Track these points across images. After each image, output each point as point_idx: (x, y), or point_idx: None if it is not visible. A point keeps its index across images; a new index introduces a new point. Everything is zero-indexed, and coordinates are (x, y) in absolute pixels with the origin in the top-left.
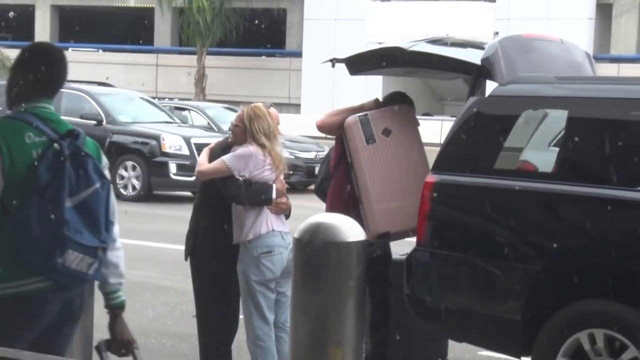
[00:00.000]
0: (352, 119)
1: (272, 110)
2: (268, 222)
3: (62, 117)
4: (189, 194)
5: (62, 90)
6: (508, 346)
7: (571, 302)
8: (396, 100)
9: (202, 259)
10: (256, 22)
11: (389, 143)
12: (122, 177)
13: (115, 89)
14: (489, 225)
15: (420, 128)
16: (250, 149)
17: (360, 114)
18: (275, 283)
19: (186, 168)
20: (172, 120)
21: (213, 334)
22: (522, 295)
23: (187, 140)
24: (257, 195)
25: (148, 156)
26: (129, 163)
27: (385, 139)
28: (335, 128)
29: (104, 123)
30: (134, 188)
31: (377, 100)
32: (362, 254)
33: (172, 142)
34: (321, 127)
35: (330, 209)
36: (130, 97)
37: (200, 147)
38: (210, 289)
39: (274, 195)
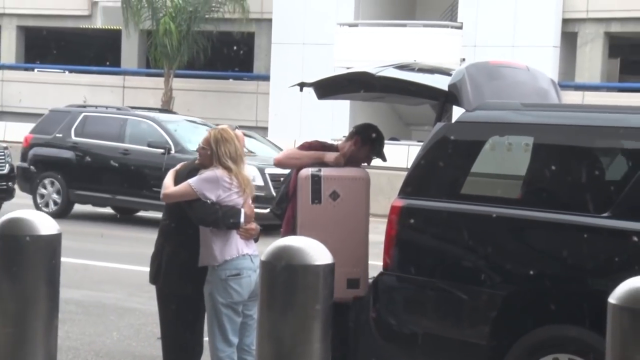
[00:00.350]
0: (305, 172)
1: (238, 132)
2: (237, 245)
3: (127, 145)
4: None
5: (125, 117)
6: None
7: (537, 327)
8: (366, 135)
9: (166, 282)
10: (224, 45)
11: (333, 207)
12: None
13: (177, 116)
14: (455, 250)
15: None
16: (217, 172)
17: (315, 168)
18: (242, 306)
19: (261, 200)
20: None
21: (178, 356)
22: (488, 319)
23: (261, 171)
24: (225, 218)
25: None
26: None
27: (331, 202)
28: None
29: (173, 152)
30: None
31: (351, 142)
32: (328, 277)
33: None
34: (278, 165)
35: (286, 232)
36: (194, 123)
37: (275, 178)
38: (175, 311)
39: (242, 220)
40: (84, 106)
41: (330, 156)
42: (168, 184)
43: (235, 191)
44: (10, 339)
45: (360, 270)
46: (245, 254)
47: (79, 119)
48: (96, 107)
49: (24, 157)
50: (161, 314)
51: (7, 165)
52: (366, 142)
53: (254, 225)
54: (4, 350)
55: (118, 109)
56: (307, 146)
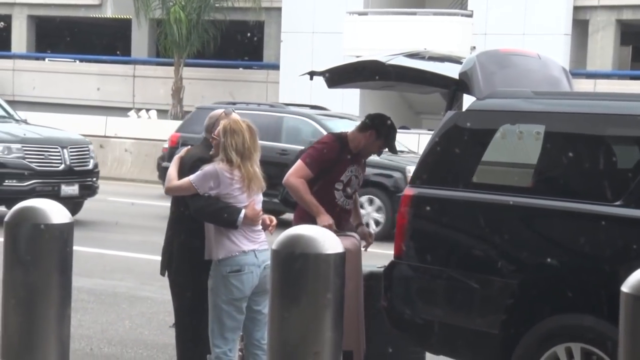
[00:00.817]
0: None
1: (235, 116)
2: (238, 241)
3: (284, 145)
4: None
5: (281, 114)
6: (485, 359)
7: (549, 315)
8: (381, 129)
9: (179, 272)
10: (233, 34)
11: None
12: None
13: (330, 112)
14: (466, 239)
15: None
16: (217, 167)
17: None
18: (251, 301)
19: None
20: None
21: (191, 345)
22: (500, 308)
23: None
24: (219, 214)
25: (392, 190)
26: (365, 197)
27: None
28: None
29: None
30: (377, 223)
31: (366, 134)
32: (340, 266)
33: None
34: (285, 185)
35: (300, 220)
36: (350, 120)
37: None
38: (188, 301)
39: (239, 219)
40: (233, 103)
41: (322, 220)
42: (172, 176)
43: (238, 187)
44: (23, 327)
45: (353, 341)
46: (248, 250)
47: None
48: (247, 104)
49: (169, 157)
50: (175, 304)
51: (92, 161)
52: (381, 136)
53: (260, 212)
54: (17, 338)
55: (271, 105)
56: (316, 155)
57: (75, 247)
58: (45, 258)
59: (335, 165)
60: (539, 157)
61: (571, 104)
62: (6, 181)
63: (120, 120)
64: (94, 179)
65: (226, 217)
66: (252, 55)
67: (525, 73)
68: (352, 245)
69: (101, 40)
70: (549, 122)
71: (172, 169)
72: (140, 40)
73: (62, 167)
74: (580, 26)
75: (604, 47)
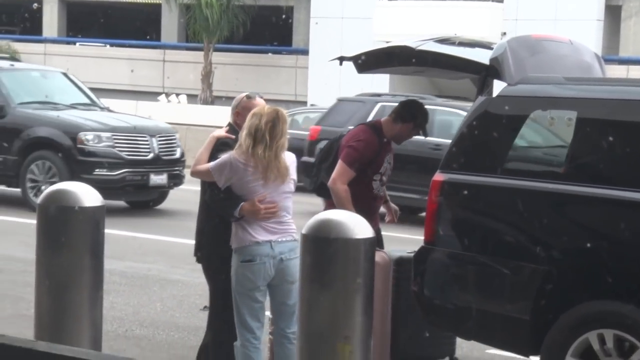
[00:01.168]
0: None
1: (260, 100)
2: (254, 232)
3: (438, 139)
4: None
5: (432, 107)
6: (517, 345)
7: (581, 302)
8: (418, 120)
9: (210, 258)
10: (263, 19)
11: None
12: None
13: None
14: (497, 224)
15: None
16: (231, 154)
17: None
18: (271, 291)
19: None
20: None
21: (225, 327)
22: (532, 294)
23: None
24: (220, 206)
25: None
26: None
27: None
28: None
29: None
30: None
31: (405, 126)
32: (369, 251)
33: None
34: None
35: (330, 204)
36: None
37: None
38: (222, 284)
39: (235, 212)
40: (379, 95)
41: None
42: (200, 159)
43: (251, 177)
44: (56, 308)
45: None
46: (263, 241)
47: (374, 109)
48: (393, 95)
49: (310, 152)
50: (210, 286)
51: (179, 150)
52: (417, 126)
53: (260, 208)
54: (51, 319)
55: (421, 97)
56: (357, 156)
57: (107, 230)
58: (78, 240)
59: (375, 159)
60: (571, 143)
61: (603, 90)
62: (97, 170)
63: (151, 105)
64: (181, 168)
65: (225, 210)
66: (281, 41)
67: (557, 59)
68: (381, 259)
69: (131, 25)
70: (580, 108)
71: (203, 150)
72: (170, 24)
73: (150, 156)
74: (613, 12)
75: (637, 33)
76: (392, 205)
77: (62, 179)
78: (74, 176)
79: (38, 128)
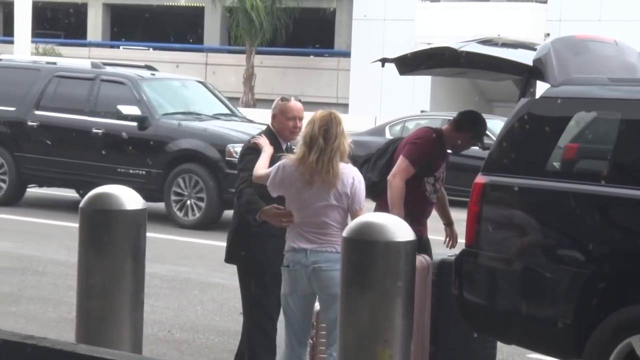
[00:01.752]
0: None
1: (298, 104)
2: (295, 238)
3: None
4: None
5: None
6: (558, 349)
7: (624, 305)
8: (478, 131)
9: (249, 261)
10: (305, 21)
11: None
12: None
13: None
14: (540, 228)
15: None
16: (283, 159)
17: None
18: (305, 300)
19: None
20: None
21: (259, 331)
22: (574, 298)
23: None
24: (247, 209)
25: None
26: None
27: None
28: None
29: None
30: None
31: (465, 136)
32: (410, 254)
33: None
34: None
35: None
36: None
37: None
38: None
39: (256, 217)
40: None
41: None
42: (259, 164)
43: (299, 185)
44: (98, 312)
45: None
46: (299, 248)
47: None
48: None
49: None
50: (241, 292)
51: None
52: (476, 137)
53: (278, 213)
54: (92, 323)
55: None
56: (420, 154)
57: (148, 234)
58: (120, 244)
59: (434, 162)
60: (615, 145)
61: None
62: None
63: None
64: None
65: (248, 213)
66: (323, 43)
67: (601, 60)
68: (419, 263)
69: (174, 28)
70: (625, 110)
71: (263, 155)
72: (212, 28)
73: None
74: None
75: None
76: (455, 230)
77: (208, 193)
78: (221, 190)
79: (183, 140)
